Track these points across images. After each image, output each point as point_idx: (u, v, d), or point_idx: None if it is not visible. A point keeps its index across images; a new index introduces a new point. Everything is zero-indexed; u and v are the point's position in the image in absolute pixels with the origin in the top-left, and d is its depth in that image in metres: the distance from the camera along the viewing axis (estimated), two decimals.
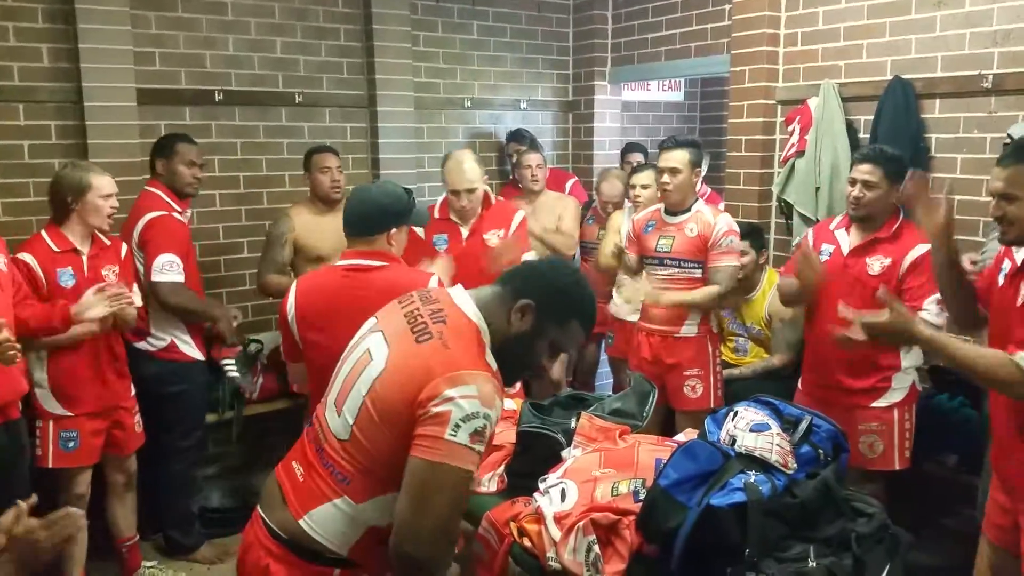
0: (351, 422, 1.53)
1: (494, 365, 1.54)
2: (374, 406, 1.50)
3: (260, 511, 1.66)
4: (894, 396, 2.82)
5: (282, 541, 1.57)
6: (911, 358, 2.87)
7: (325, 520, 1.54)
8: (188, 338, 3.31)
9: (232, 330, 3.41)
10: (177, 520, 3.43)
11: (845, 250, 2.86)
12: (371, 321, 1.68)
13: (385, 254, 2.22)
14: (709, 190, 4.51)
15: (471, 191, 3.17)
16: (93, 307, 2.66)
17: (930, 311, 2.66)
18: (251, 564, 1.62)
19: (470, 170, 3.16)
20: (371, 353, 1.56)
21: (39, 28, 3.52)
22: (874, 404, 2.81)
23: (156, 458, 3.27)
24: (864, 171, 2.75)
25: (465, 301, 1.58)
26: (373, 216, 2.21)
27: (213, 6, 3.94)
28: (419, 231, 3.07)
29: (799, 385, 3.05)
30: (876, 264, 2.77)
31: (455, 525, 1.49)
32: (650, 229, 3.32)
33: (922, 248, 2.69)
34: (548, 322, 1.57)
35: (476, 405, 1.42)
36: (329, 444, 1.57)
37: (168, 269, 3.12)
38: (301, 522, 1.55)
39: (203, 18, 3.92)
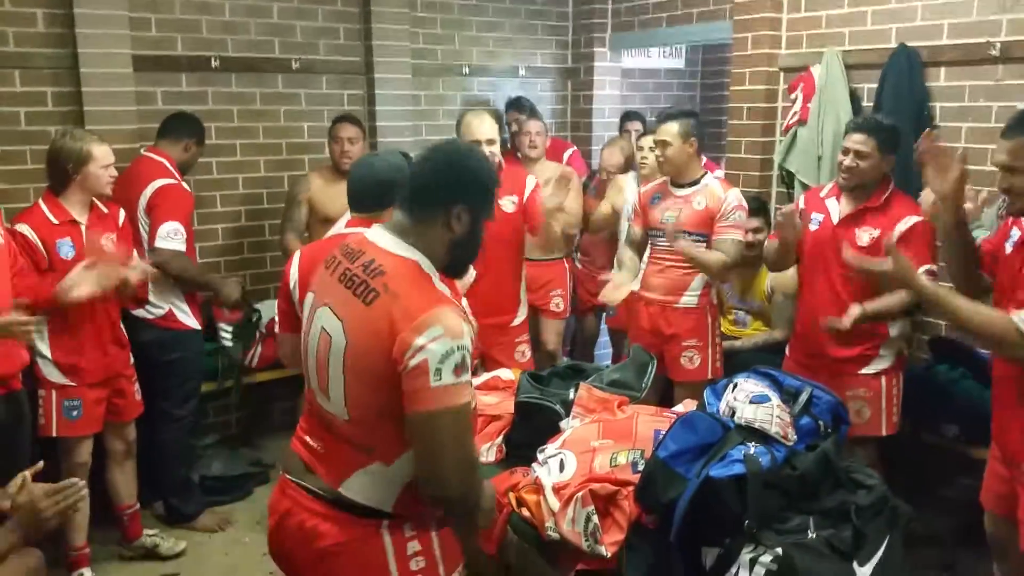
0: (344, 404, 1.54)
1: (447, 290, 1.54)
2: (357, 378, 1.51)
3: (292, 477, 1.66)
4: (881, 363, 2.84)
5: (328, 501, 1.58)
6: (898, 326, 2.88)
7: (362, 486, 1.56)
8: (186, 307, 3.32)
9: (234, 300, 3.44)
10: (176, 488, 3.46)
11: (835, 219, 2.84)
12: (310, 298, 1.67)
13: None
14: (704, 158, 4.47)
15: (491, 141, 3.15)
16: (79, 285, 2.62)
17: None
18: (294, 528, 1.62)
19: (491, 122, 3.19)
20: (327, 330, 1.56)
21: None
22: (861, 371, 2.83)
23: (153, 425, 3.28)
24: (857, 141, 2.72)
25: (391, 242, 1.56)
26: (376, 191, 2.16)
27: None
28: None
29: (787, 352, 3.07)
30: (865, 235, 2.75)
31: (471, 452, 1.53)
32: (656, 201, 3.27)
33: (911, 220, 2.69)
34: (480, 207, 1.59)
35: (447, 342, 1.43)
36: (337, 424, 1.59)
37: (173, 237, 3.17)
38: (340, 489, 1.58)
39: None
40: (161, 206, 3.16)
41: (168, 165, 3.28)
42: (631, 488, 1.79)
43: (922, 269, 2.61)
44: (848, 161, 2.74)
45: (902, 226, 2.70)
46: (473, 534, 1.61)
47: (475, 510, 1.60)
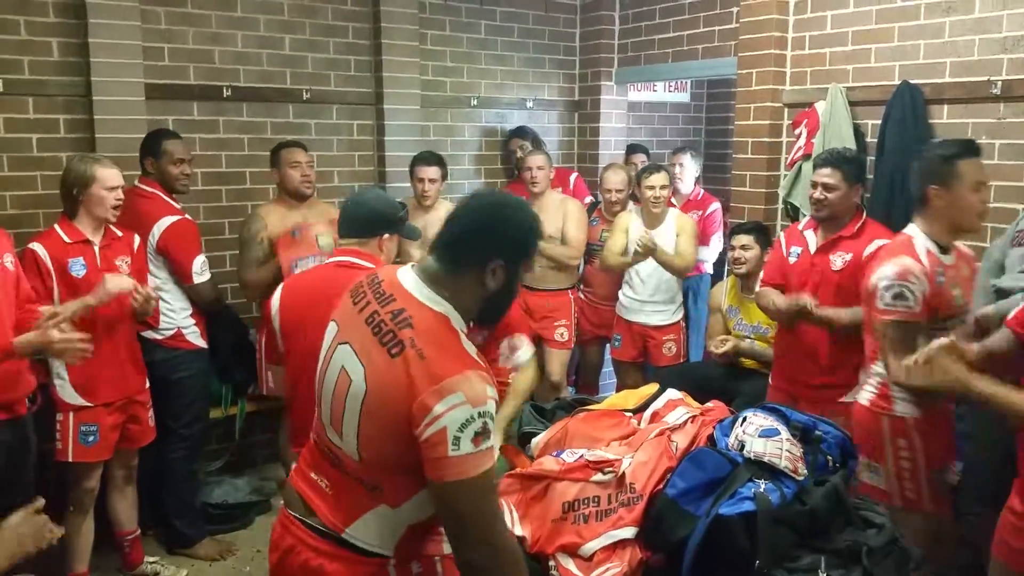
0: (355, 444, 1.51)
1: (472, 350, 1.48)
2: (372, 427, 1.48)
3: (295, 514, 1.63)
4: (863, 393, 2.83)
5: (333, 539, 1.55)
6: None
7: (366, 529, 1.54)
8: (194, 326, 3.35)
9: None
10: (180, 510, 3.44)
11: (812, 249, 2.97)
12: (332, 328, 1.62)
13: (373, 257, 2.19)
14: (703, 191, 4.55)
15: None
16: (117, 279, 2.78)
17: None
18: (298, 567, 1.59)
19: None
20: (348, 372, 1.52)
21: (50, 22, 3.52)
22: (841, 400, 2.85)
23: (161, 446, 3.28)
24: (824, 174, 2.87)
25: (422, 291, 1.50)
26: (367, 218, 2.21)
27: (222, 2, 3.94)
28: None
29: (770, 380, 3.13)
30: (839, 260, 2.88)
31: (494, 519, 1.47)
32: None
33: (879, 242, 2.78)
34: (518, 264, 1.54)
35: (468, 410, 1.38)
36: (348, 462, 1.56)
37: (204, 270, 3.30)
38: (344, 535, 1.55)
39: (212, 14, 3.92)
40: (179, 246, 3.22)
41: (163, 196, 3.29)
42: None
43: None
44: (817, 194, 2.89)
45: (870, 248, 2.80)
46: None
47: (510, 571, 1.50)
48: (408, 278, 1.54)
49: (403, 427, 1.41)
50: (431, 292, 1.50)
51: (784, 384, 3.02)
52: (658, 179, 3.84)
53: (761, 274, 3.29)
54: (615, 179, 4.20)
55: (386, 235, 2.21)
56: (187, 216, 3.32)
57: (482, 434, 1.40)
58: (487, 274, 1.50)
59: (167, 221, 3.21)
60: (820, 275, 2.90)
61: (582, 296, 4.41)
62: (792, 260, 3.03)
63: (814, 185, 2.91)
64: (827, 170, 2.86)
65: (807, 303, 2.83)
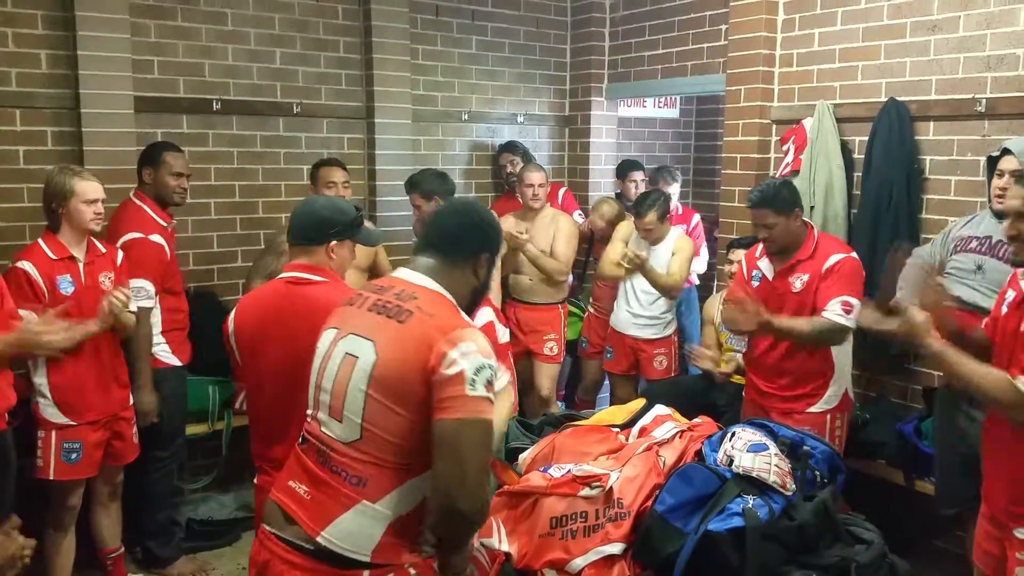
0: (359, 420, 1.58)
1: (472, 321, 1.67)
2: (382, 393, 1.56)
3: (271, 528, 1.67)
4: (828, 403, 2.97)
5: (307, 552, 1.59)
6: (842, 363, 2.98)
7: (346, 531, 1.57)
8: (165, 344, 3.30)
9: (145, 409, 3.17)
10: (155, 531, 3.39)
11: (770, 276, 3.03)
12: (330, 333, 1.71)
13: (323, 269, 2.14)
14: (680, 205, 4.58)
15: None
16: (52, 334, 2.47)
17: (832, 311, 2.80)
18: None
19: None
20: (352, 353, 1.62)
21: (38, 34, 3.51)
22: (808, 410, 2.94)
23: (136, 467, 3.23)
24: (757, 216, 2.93)
25: (420, 278, 1.68)
26: (311, 226, 2.15)
27: (213, 16, 3.94)
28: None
29: (744, 393, 3.20)
30: (797, 282, 2.94)
31: (488, 472, 1.59)
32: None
33: (834, 258, 2.88)
34: (494, 258, 1.78)
35: (480, 358, 1.52)
36: (336, 451, 1.60)
37: (138, 295, 3.05)
38: (319, 539, 1.58)
39: (203, 27, 3.92)
40: (127, 261, 3.07)
41: (147, 210, 3.24)
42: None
43: (836, 300, 2.79)
44: (762, 234, 2.96)
45: (827, 264, 2.88)
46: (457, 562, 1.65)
47: (474, 528, 1.63)
48: (405, 272, 1.71)
49: (417, 379, 1.52)
50: (428, 279, 1.67)
51: (754, 395, 3.10)
52: (650, 218, 3.88)
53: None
54: (598, 225, 4.29)
55: (334, 242, 2.15)
56: (153, 239, 3.19)
57: (491, 383, 1.54)
58: (479, 266, 1.71)
59: (129, 236, 3.13)
60: (780, 298, 2.95)
61: (591, 309, 4.42)
62: (755, 283, 3.09)
63: (754, 226, 2.99)
64: (758, 211, 2.91)
65: (766, 317, 2.81)
